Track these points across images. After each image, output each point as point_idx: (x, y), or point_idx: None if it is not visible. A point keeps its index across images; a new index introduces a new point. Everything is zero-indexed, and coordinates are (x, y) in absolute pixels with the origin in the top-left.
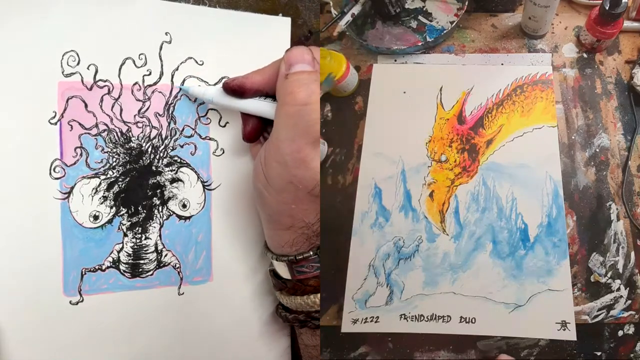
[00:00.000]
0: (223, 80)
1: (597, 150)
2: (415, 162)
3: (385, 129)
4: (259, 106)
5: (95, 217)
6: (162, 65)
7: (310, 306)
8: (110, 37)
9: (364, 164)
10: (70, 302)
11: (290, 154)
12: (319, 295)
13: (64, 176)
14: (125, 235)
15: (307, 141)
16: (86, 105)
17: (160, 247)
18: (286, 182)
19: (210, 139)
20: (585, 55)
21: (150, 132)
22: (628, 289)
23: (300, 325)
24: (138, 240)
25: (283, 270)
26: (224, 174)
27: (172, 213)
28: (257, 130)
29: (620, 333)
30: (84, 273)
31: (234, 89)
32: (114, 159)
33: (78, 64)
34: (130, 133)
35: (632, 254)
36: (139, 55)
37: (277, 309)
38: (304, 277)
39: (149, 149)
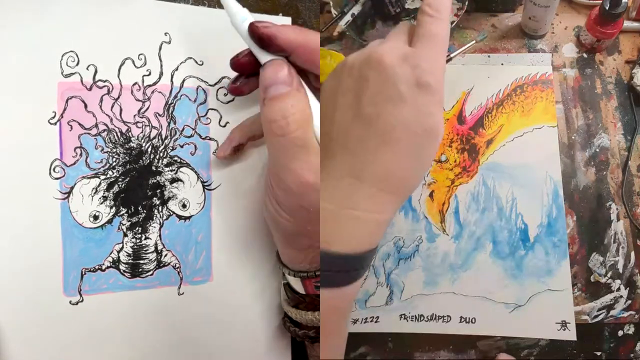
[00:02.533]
0: (251, 22)
1: (597, 150)
2: None
3: None
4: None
5: (95, 217)
6: (161, 66)
7: None
8: (110, 38)
9: None
10: (70, 302)
11: (292, 181)
12: None
13: (63, 176)
14: (125, 235)
15: (304, 165)
16: (86, 106)
17: (160, 247)
18: (297, 207)
19: (210, 139)
20: (585, 55)
21: (150, 132)
22: (628, 289)
23: (311, 342)
24: (138, 240)
25: (298, 286)
26: (224, 174)
27: (172, 213)
28: (248, 65)
29: (620, 333)
30: (84, 273)
31: (262, 39)
32: (114, 159)
33: (77, 64)
34: (130, 133)
35: (632, 254)
36: (139, 55)
37: (284, 323)
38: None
39: (149, 149)
